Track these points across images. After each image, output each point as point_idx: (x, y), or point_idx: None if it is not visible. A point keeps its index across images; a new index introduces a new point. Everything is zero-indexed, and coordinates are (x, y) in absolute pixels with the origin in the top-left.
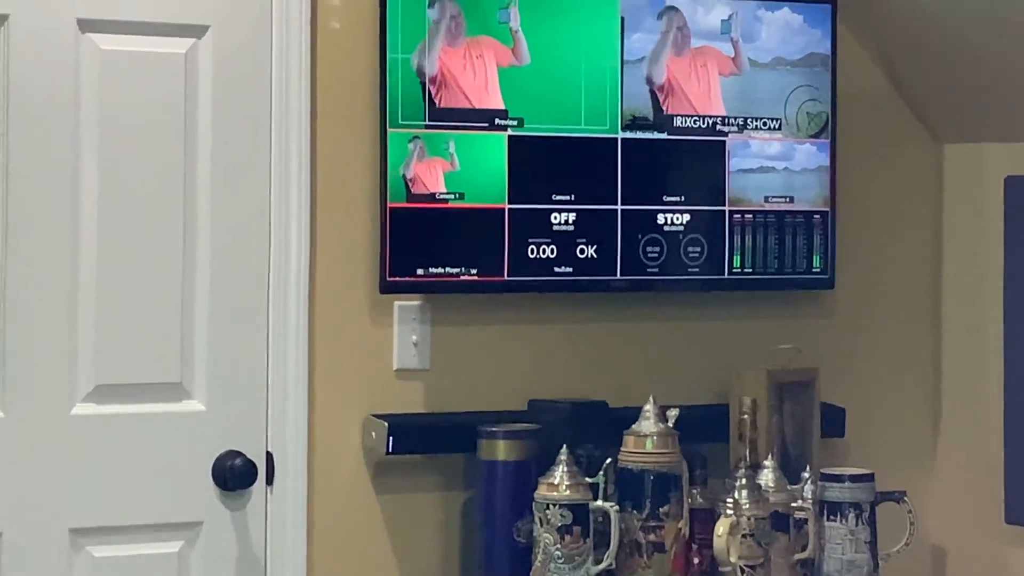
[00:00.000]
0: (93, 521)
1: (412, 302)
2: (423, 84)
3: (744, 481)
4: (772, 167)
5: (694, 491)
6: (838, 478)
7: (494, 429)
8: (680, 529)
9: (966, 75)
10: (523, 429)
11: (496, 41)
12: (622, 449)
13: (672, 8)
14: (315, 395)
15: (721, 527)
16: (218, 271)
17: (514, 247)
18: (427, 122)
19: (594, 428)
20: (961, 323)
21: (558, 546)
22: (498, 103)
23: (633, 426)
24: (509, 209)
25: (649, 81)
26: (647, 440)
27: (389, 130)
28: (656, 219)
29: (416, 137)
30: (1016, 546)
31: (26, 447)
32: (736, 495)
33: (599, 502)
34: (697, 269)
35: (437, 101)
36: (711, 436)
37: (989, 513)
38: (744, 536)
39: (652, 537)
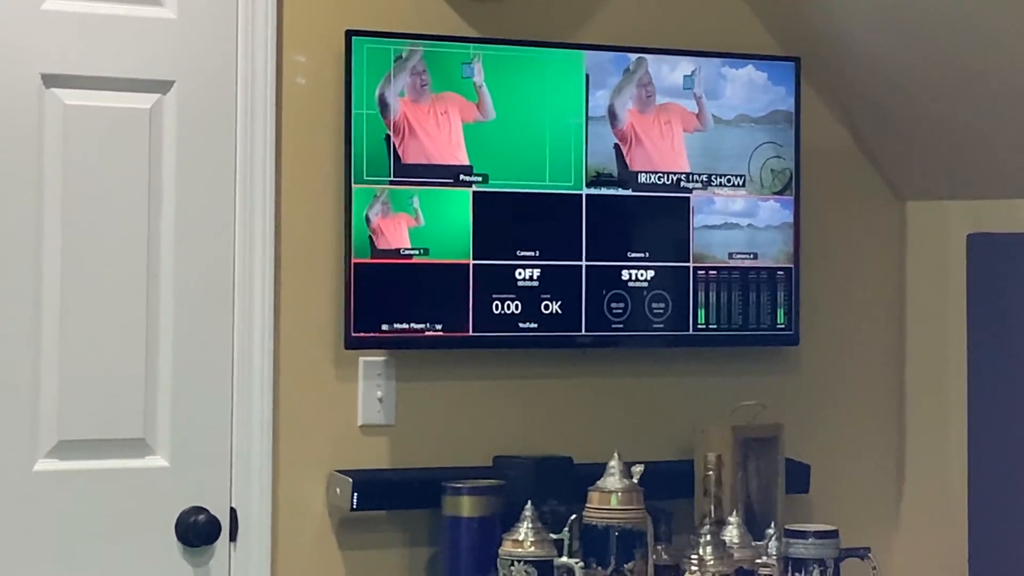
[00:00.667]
0: None
1: (377, 358)
2: (388, 139)
3: (708, 537)
4: (736, 223)
5: (659, 547)
6: (802, 534)
7: (458, 485)
8: None
9: (929, 133)
10: (487, 485)
11: (461, 97)
12: (587, 505)
13: (638, 64)
14: (279, 451)
15: None
16: (182, 326)
17: (479, 303)
18: (392, 177)
19: (559, 484)
20: (925, 379)
21: None
22: (463, 159)
23: (598, 482)
24: (474, 265)
25: (616, 128)
26: (612, 496)
27: (354, 186)
28: (621, 275)
29: (382, 192)
30: None
31: None
32: (701, 551)
33: (564, 558)
34: (662, 325)
35: (402, 156)
36: (676, 492)
37: (953, 570)
38: None
39: None
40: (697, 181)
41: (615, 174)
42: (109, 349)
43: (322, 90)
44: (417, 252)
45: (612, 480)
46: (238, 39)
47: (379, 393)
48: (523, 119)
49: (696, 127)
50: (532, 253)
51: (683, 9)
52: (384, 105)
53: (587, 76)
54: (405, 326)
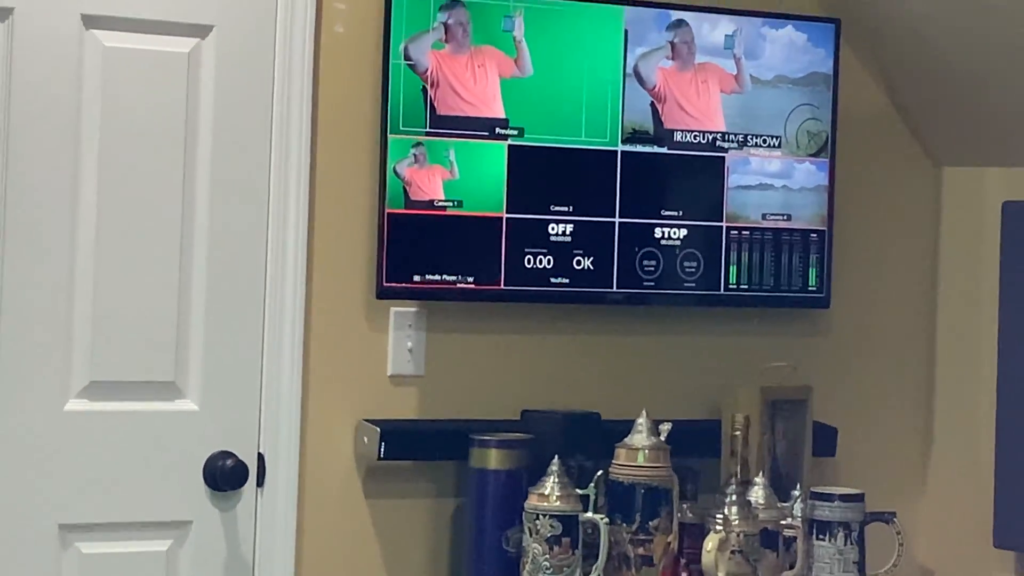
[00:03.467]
0: (83, 517)
1: (408, 308)
2: (424, 91)
3: (734, 497)
4: (771, 184)
5: (684, 506)
6: (828, 497)
7: (486, 437)
8: (669, 543)
9: (966, 99)
10: (515, 438)
11: (499, 51)
12: (614, 462)
13: (680, 22)
14: (308, 398)
15: (710, 543)
16: (215, 271)
17: (511, 257)
18: (428, 129)
19: (586, 440)
20: (955, 346)
21: (547, 557)
22: (499, 112)
23: (625, 439)
24: (507, 218)
25: (647, 88)
26: (639, 453)
27: (390, 136)
28: (654, 233)
29: (419, 144)
30: (1004, 571)
31: (18, 441)
32: (726, 511)
33: (589, 514)
34: (693, 284)
35: (438, 108)
36: (703, 451)
37: (978, 537)
38: (733, 552)
39: (641, 551)
40: (733, 141)
41: (651, 132)
42: (142, 292)
43: (361, 39)
44: (451, 204)
45: (640, 437)
46: None
47: (409, 344)
48: (561, 74)
49: (734, 88)
50: (566, 208)
51: None
52: (412, 61)
53: (626, 32)
54: (437, 277)
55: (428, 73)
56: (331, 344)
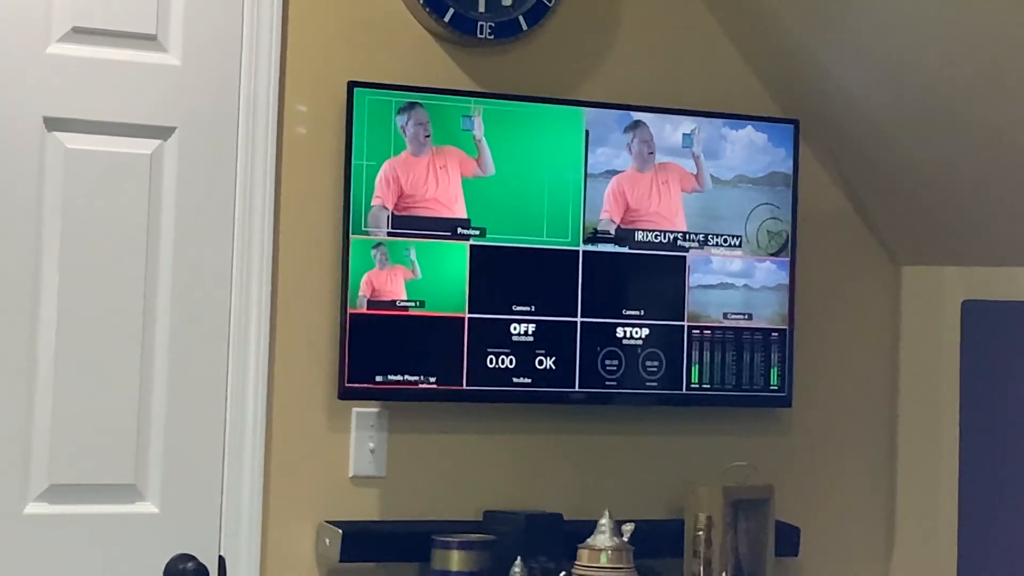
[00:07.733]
0: None
1: (370, 409)
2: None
3: None
4: (732, 284)
5: None
6: None
7: (448, 539)
8: None
9: (926, 198)
10: (478, 540)
11: (461, 151)
12: (576, 563)
13: (638, 123)
14: (269, 500)
15: None
16: (176, 373)
17: (473, 357)
18: (389, 229)
19: (549, 540)
20: (917, 444)
21: None
22: (461, 212)
23: (588, 540)
24: (469, 318)
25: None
26: (602, 554)
27: (351, 236)
28: (615, 332)
29: (379, 244)
30: None
31: None
32: None
33: None
34: (655, 383)
35: (400, 209)
36: (666, 551)
37: None
38: None
39: None
40: (694, 240)
41: (612, 232)
42: (102, 394)
43: (323, 140)
44: (413, 304)
45: (602, 538)
46: (240, 87)
47: (371, 444)
48: (522, 174)
49: (694, 188)
50: (528, 308)
51: (684, 69)
52: (374, 163)
53: (587, 133)
54: (399, 378)
55: (389, 176)
56: (293, 445)
